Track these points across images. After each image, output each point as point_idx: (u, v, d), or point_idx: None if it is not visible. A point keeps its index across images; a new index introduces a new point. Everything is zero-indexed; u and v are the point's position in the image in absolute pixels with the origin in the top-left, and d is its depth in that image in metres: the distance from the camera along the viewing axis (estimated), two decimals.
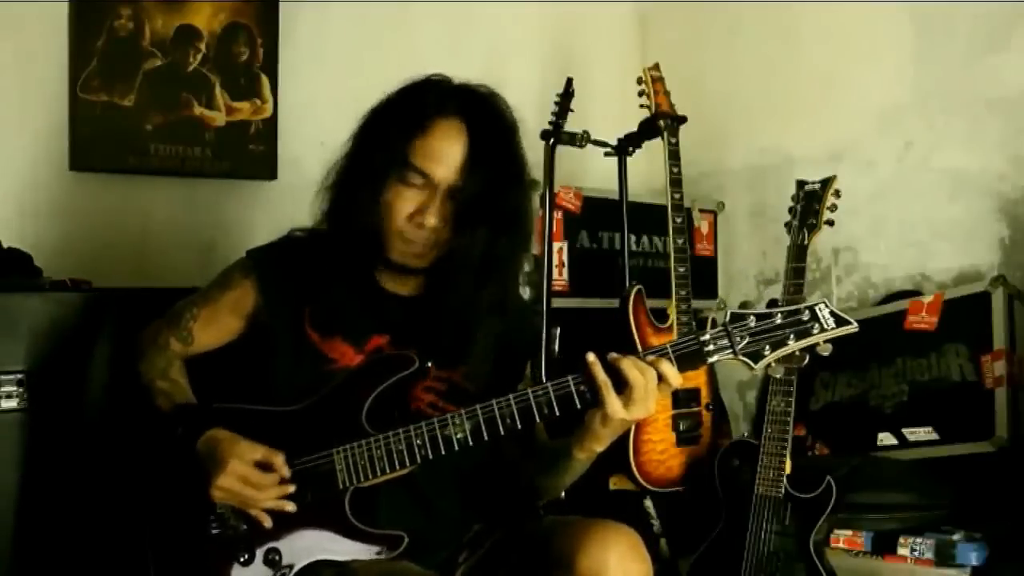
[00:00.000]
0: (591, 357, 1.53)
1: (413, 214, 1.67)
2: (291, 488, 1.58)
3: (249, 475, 1.56)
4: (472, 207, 1.67)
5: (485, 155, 1.68)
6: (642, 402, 1.51)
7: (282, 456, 1.58)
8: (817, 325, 1.50)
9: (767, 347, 1.51)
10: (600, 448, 1.62)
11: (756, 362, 1.51)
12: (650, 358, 1.53)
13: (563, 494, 2.20)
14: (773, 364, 1.53)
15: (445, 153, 1.67)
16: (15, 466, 1.92)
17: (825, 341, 1.51)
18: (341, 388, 1.66)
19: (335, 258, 1.72)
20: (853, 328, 1.51)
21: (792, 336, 1.51)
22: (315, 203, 1.81)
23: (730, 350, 1.51)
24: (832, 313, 1.51)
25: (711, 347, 1.52)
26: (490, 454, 1.75)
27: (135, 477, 1.73)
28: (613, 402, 1.51)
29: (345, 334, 1.73)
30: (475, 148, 1.68)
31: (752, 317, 1.52)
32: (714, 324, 1.58)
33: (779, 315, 1.51)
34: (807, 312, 1.51)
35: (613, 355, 1.53)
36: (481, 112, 1.71)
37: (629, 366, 1.51)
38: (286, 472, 1.58)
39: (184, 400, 1.72)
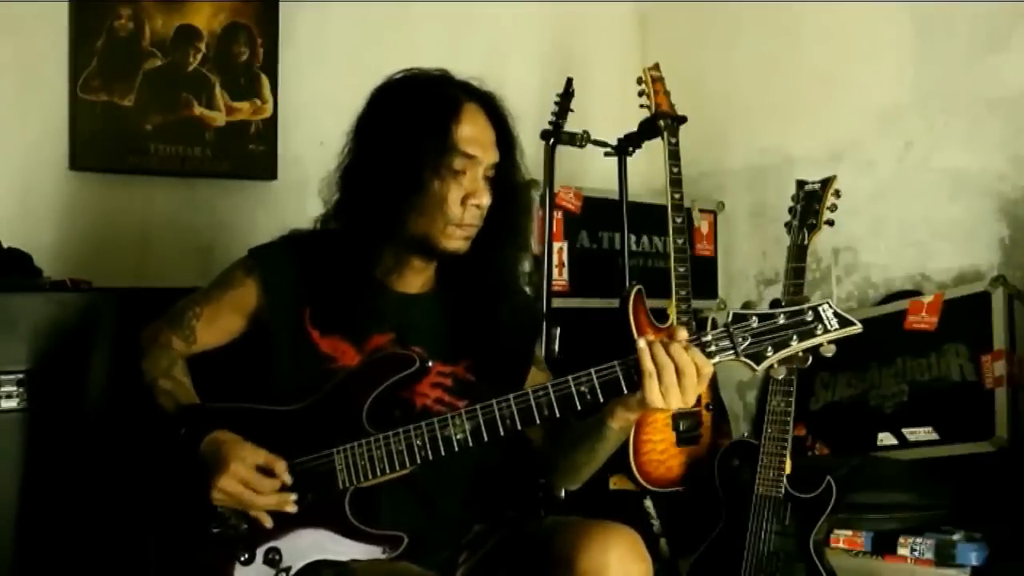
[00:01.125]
0: (642, 343, 1.51)
1: (465, 197, 1.70)
2: (292, 497, 1.58)
3: (250, 479, 1.56)
4: (505, 181, 1.76)
5: (504, 131, 1.76)
6: (674, 388, 1.50)
7: (284, 463, 1.58)
8: (821, 326, 1.49)
9: (769, 348, 1.49)
10: (634, 417, 1.61)
11: (758, 363, 1.49)
12: (693, 351, 1.51)
13: (563, 494, 2.20)
14: (775, 365, 1.51)
15: (482, 133, 1.73)
16: (16, 466, 1.93)
17: (829, 342, 1.49)
18: (341, 387, 1.66)
19: (342, 256, 1.72)
20: (857, 329, 1.49)
21: (795, 337, 1.49)
22: (318, 203, 1.81)
23: (732, 351, 1.50)
24: (836, 314, 1.49)
25: (713, 348, 1.51)
26: (501, 449, 1.75)
27: (136, 477, 1.73)
28: (653, 391, 1.50)
29: (345, 333, 1.73)
30: (497, 126, 1.75)
31: (754, 318, 1.50)
32: (714, 324, 1.58)
33: (782, 315, 1.49)
34: (810, 312, 1.49)
35: (665, 340, 1.52)
36: (487, 94, 1.77)
37: (678, 353, 1.50)
38: (287, 479, 1.58)
39: (187, 400, 1.71)
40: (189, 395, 1.73)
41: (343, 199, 1.76)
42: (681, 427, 2.65)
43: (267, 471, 1.57)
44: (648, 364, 1.50)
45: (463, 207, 1.70)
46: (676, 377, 1.49)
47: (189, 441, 1.61)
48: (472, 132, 1.71)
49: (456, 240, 1.72)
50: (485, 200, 1.71)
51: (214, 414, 1.65)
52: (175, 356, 1.78)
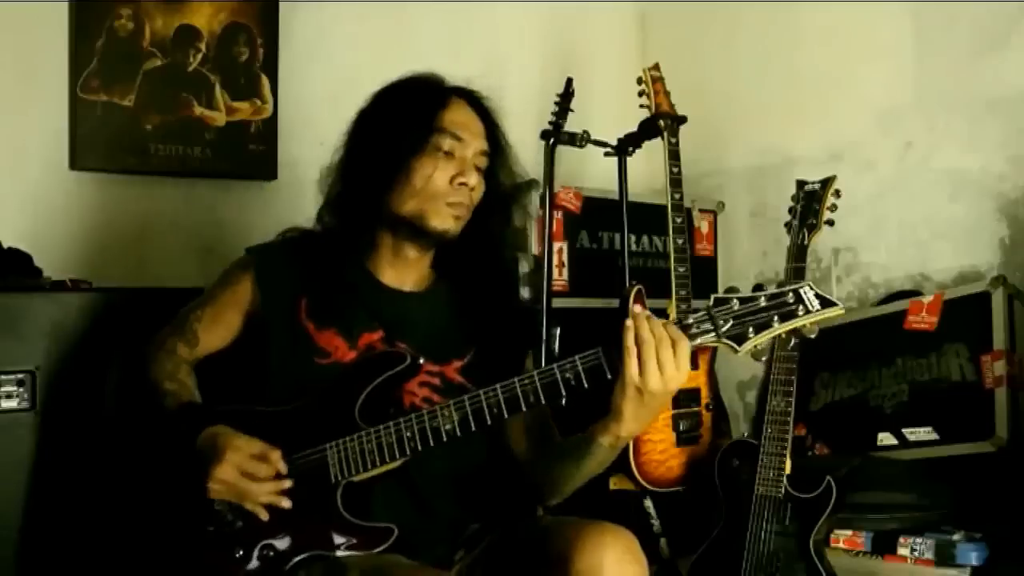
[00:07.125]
0: (629, 323, 1.51)
1: (454, 177, 1.73)
2: (287, 483, 1.59)
3: (246, 466, 1.57)
4: (497, 177, 1.81)
5: (492, 128, 1.81)
6: (651, 362, 1.49)
7: (279, 452, 1.59)
8: (802, 307, 1.49)
9: (751, 329, 1.50)
10: (624, 432, 1.57)
11: (740, 344, 1.50)
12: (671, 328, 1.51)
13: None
14: (757, 347, 1.51)
15: (470, 121, 1.78)
16: (16, 465, 1.93)
17: (811, 323, 1.49)
18: (334, 385, 1.67)
19: (334, 248, 1.75)
20: (840, 310, 1.49)
21: (776, 318, 1.49)
22: (317, 203, 1.84)
23: (713, 333, 1.51)
24: (817, 295, 1.49)
25: (694, 330, 1.52)
26: (495, 451, 1.76)
27: (135, 477, 1.74)
28: (632, 366, 1.49)
29: (339, 327, 1.74)
30: (485, 121, 1.80)
31: (735, 300, 1.51)
32: None
33: (763, 298, 1.50)
34: (791, 295, 1.50)
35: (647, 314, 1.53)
36: (475, 92, 1.82)
37: (655, 326, 1.51)
38: (282, 467, 1.59)
39: (188, 399, 1.73)
40: (191, 395, 1.75)
41: (334, 189, 1.80)
42: (681, 427, 2.64)
43: (263, 460, 1.58)
44: (629, 341, 1.50)
45: (451, 186, 1.73)
46: (655, 351, 1.49)
47: (187, 437, 1.62)
48: (459, 117, 1.76)
49: (445, 219, 1.74)
50: (473, 179, 1.74)
51: (213, 413, 1.66)
52: (179, 361, 1.80)
